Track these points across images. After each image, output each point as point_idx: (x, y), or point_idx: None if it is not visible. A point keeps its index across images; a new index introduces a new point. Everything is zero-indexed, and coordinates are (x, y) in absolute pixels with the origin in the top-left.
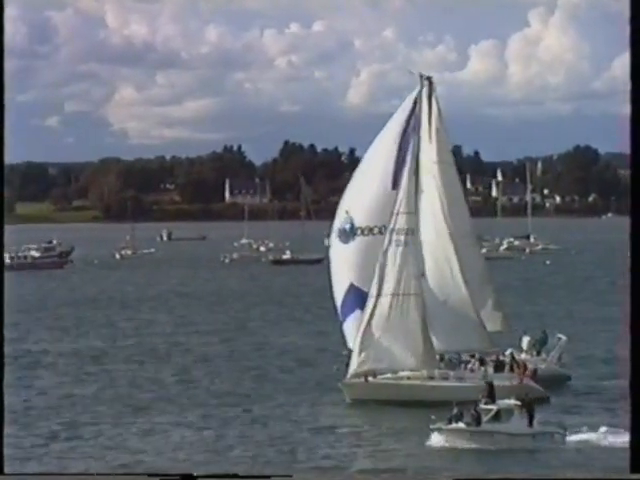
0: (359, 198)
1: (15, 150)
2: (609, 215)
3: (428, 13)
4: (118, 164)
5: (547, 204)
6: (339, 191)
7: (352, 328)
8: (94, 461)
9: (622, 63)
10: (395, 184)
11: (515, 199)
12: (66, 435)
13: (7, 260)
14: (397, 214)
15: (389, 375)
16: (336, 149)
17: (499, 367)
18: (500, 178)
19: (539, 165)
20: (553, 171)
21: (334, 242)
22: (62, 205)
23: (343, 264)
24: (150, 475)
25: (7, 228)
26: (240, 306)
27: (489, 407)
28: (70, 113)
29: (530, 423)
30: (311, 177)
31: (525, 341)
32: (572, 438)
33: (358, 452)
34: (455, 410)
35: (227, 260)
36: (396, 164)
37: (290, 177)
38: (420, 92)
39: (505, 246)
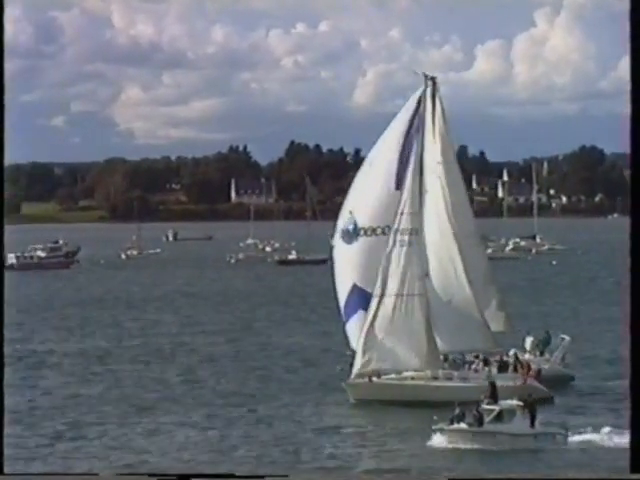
0: (362, 198)
1: (21, 150)
2: (615, 215)
3: (434, 13)
4: (124, 164)
5: (553, 204)
6: (345, 191)
7: (355, 329)
8: (98, 461)
9: (628, 63)
10: (398, 184)
11: (521, 199)
12: (71, 435)
13: (13, 260)
14: (401, 214)
15: (393, 375)
16: (341, 149)
17: (503, 367)
18: (506, 178)
19: (545, 165)
20: (559, 171)
21: (337, 243)
22: (68, 205)
23: (346, 265)
24: (149, 475)
25: (13, 228)
26: (246, 306)
27: (491, 407)
28: (76, 113)
29: (532, 424)
30: (317, 177)
31: (528, 341)
32: (575, 438)
33: (362, 452)
34: (457, 410)
35: (233, 260)
36: (399, 164)
37: (296, 177)
38: (424, 92)
39: (511, 246)
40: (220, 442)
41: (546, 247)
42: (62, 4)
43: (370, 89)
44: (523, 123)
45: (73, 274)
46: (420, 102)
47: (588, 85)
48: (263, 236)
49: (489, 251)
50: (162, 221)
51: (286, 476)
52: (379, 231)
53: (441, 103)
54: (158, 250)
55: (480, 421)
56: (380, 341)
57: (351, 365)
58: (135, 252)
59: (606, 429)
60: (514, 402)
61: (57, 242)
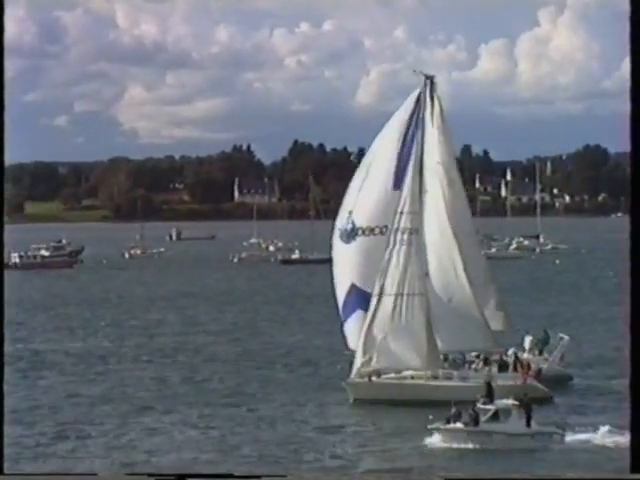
0: (360, 198)
1: (25, 149)
2: (619, 214)
3: (439, 12)
4: (128, 163)
5: (557, 204)
6: None
7: (353, 328)
8: (99, 460)
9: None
10: (396, 184)
11: (524, 199)
12: (72, 434)
13: (16, 259)
14: (401, 213)
15: (393, 375)
16: (345, 149)
17: (503, 367)
18: (510, 177)
19: (549, 164)
20: (563, 170)
21: (336, 242)
22: (72, 204)
23: (345, 264)
24: (148, 475)
25: (16, 227)
26: (249, 306)
27: (487, 407)
28: (80, 112)
29: (528, 423)
30: (320, 177)
31: (527, 341)
32: (575, 438)
33: (362, 452)
34: (453, 410)
35: (236, 260)
36: (397, 164)
37: (299, 176)
38: (422, 92)
39: (515, 246)
40: (221, 442)
41: (549, 246)
42: (66, 4)
43: (374, 88)
44: (527, 122)
45: (76, 273)
46: (418, 102)
47: (592, 84)
48: (266, 235)
49: (492, 250)
50: (166, 220)
51: (284, 476)
52: (377, 231)
53: (439, 103)
54: (162, 249)
55: (476, 420)
56: (380, 340)
57: (350, 364)
58: (139, 251)
59: (605, 428)
60: (510, 402)
61: (60, 241)
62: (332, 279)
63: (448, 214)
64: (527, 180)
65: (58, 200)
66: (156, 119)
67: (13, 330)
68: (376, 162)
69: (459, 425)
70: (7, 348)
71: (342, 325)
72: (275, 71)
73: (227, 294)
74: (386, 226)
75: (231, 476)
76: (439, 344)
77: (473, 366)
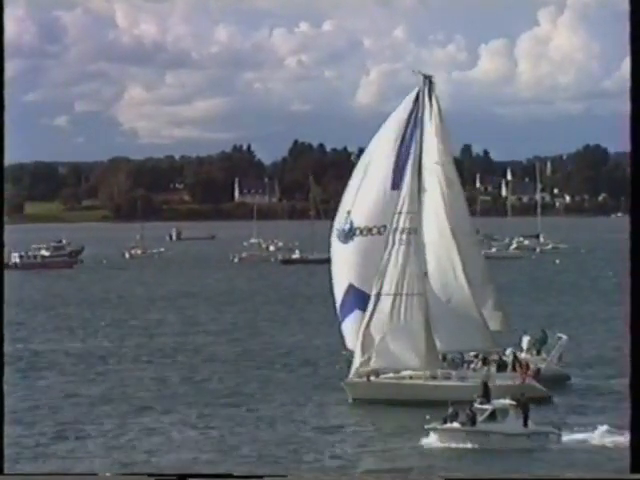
0: (358, 198)
1: (25, 149)
2: (619, 214)
3: (438, 12)
4: (128, 163)
5: (557, 203)
6: None
7: (351, 328)
8: (99, 460)
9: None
10: (394, 184)
11: (525, 198)
12: (72, 434)
13: (17, 259)
14: (399, 213)
15: (391, 374)
16: (345, 149)
17: (502, 367)
18: (510, 177)
19: (549, 164)
20: (563, 170)
21: (334, 242)
22: (72, 204)
23: (343, 264)
24: (148, 475)
25: (17, 227)
26: (249, 306)
27: (484, 407)
28: (80, 112)
29: (525, 423)
30: (320, 176)
31: (525, 340)
32: (573, 437)
33: (362, 451)
34: (450, 410)
35: (236, 259)
36: (395, 164)
37: (299, 176)
38: (421, 92)
39: (515, 245)
40: (221, 442)
41: (550, 246)
42: (66, 4)
43: (374, 88)
44: (527, 122)
45: (76, 273)
46: (416, 102)
47: (592, 84)
48: (267, 235)
49: (493, 250)
50: (166, 220)
51: (284, 476)
52: (375, 231)
53: (437, 102)
54: (162, 249)
55: (473, 420)
56: (379, 340)
57: (349, 364)
58: (139, 251)
59: (603, 427)
60: (507, 401)
61: (60, 241)
62: (330, 279)
63: (447, 214)
64: (527, 180)
65: (58, 200)
66: (156, 119)
67: (13, 330)
68: (374, 162)
69: (456, 425)
70: (7, 348)
71: (339, 325)
72: (275, 71)
73: (227, 294)
74: (384, 226)
75: (231, 476)
76: (438, 344)
77: (472, 366)
